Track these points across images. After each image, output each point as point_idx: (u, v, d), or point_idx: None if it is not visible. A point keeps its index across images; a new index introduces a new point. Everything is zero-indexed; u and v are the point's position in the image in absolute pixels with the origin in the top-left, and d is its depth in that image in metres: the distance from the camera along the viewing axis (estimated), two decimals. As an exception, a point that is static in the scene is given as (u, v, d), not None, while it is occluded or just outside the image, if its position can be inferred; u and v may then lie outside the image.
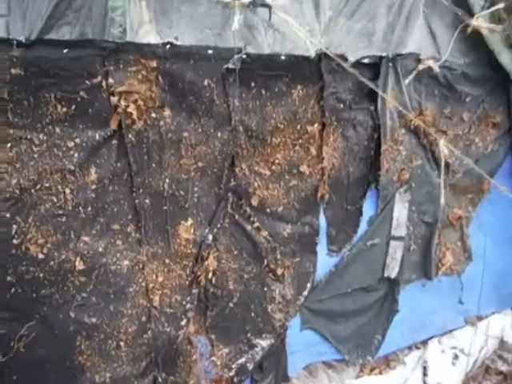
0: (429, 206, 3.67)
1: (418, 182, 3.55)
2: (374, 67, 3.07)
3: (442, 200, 3.40)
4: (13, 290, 2.63)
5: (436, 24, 3.18)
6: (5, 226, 2.53)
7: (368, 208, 3.48)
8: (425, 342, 4.20)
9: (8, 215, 2.52)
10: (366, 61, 3.00)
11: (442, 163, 3.33)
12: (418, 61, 3.13)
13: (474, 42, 3.33)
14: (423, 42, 3.16)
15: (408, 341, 4.14)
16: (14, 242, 2.57)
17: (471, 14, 3.13)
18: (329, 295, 3.50)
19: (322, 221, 3.35)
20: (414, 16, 3.06)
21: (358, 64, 2.98)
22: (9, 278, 2.60)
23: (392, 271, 3.63)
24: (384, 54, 3.03)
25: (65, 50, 2.35)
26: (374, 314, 3.75)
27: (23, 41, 2.27)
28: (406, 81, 3.12)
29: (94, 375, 2.94)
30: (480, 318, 4.51)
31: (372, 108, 3.17)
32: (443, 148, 3.28)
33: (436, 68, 3.11)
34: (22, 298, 2.66)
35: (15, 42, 2.26)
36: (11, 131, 2.43)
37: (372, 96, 3.13)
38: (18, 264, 2.61)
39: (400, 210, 3.52)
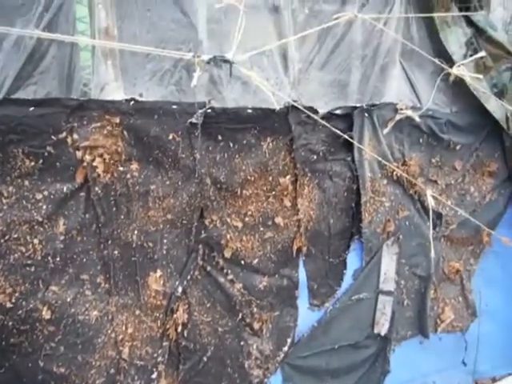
0: (421, 258, 3.49)
1: (407, 234, 3.40)
2: (350, 118, 3.01)
3: (432, 252, 3.20)
4: (-19, 337, 2.69)
5: (415, 73, 3.13)
6: (-27, 275, 2.62)
7: (353, 261, 3.35)
8: (427, 405, 3.90)
9: (-23, 265, 2.62)
10: (339, 112, 2.95)
11: (430, 214, 3.16)
12: (396, 110, 3.05)
13: (460, 91, 3.22)
14: (402, 91, 3.10)
15: (408, 403, 3.86)
16: (-17, 291, 2.65)
17: (453, 63, 3.03)
18: (312, 351, 3.34)
19: (303, 274, 3.24)
20: (389, 66, 3.02)
21: (331, 115, 2.94)
22: (-23, 326, 2.67)
23: (382, 327, 3.43)
24: (358, 105, 2.97)
25: (31, 108, 2.46)
26: (365, 373, 3.54)
27: (-10, 100, 2.40)
28: (384, 131, 3.04)
29: (62, 427, 2.91)
30: (494, 381, 4.16)
31: (349, 159, 3.10)
32: (430, 199, 3.12)
33: (416, 117, 3.01)
34: (-10, 346, 2.71)
35: (-16, 101, 2.40)
36: (-19, 184, 2.55)
37: (349, 147, 3.06)
38: (-13, 312, 2.68)
39: (388, 263, 3.36)
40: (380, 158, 2.98)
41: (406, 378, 3.72)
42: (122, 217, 2.79)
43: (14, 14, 2.41)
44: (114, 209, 2.76)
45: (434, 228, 3.43)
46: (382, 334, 3.45)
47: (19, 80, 2.46)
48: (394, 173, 3.18)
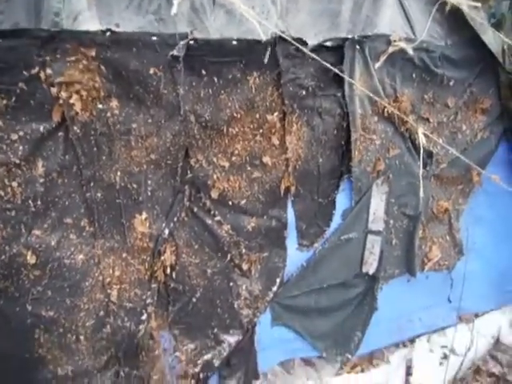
0: (410, 198, 3.45)
1: (397, 173, 3.34)
2: (341, 51, 2.86)
3: (421, 192, 3.19)
4: (-35, 283, 2.63)
5: (410, 2, 2.94)
6: (-49, 220, 2.53)
7: (343, 201, 3.30)
8: (413, 340, 4.01)
9: (-47, 210, 2.52)
10: (329, 44, 2.79)
11: (421, 153, 3.11)
12: (389, 43, 2.90)
13: (456, 22, 3.06)
14: (395, 22, 2.92)
15: (394, 338, 3.96)
16: (-38, 236, 2.56)
17: (450, -10, 2.87)
18: (301, 291, 3.36)
19: (291, 214, 3.20)
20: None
21: (321, 48, 2.78)
22: (-40, 272, 2.61)
23: (370, 267, 3.44)
24: (349, 36, 2.82)
25: (-2, 41, 2.28)
26: (353, 311, 3.58)
27: (-48, 31, 2.22)
28: (376, 65, 2.90)
29: (55, 368, 2.92)
30: (477, 316, 4.28)
31: (339, 95, 2.97)
32: (422, 137, 3.05)
33: (410, 50, 2.87)
34: (-25, 292, 2.67)
35: None
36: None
37: (339, 82, 2.92)
38: (-32, 258, 2.61)
39: (377, 203, 3.32)
40: (371, 94, 2.87)
41: (393, 315, 3.78)
42: (104, 157, 2.67)
43: None
44: (95, 149, 2.64)
45: (425, 167, 3.38)
46: (371, 273, 3.47)
47: (-16, 7, 2.26)
48: (386, 109, 3.07)
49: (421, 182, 3.10)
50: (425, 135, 3.09)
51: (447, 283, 3.98)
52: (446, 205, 3.64)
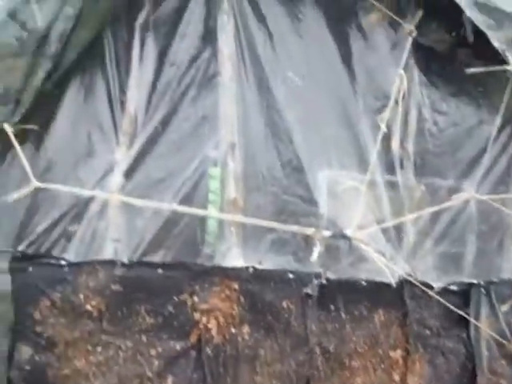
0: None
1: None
2: (465, 293, 2.92)
3: None
4: None
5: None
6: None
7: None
8: None
9: (83, 415, 2.67)
10: (454, 287, 2.88)
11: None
12: (516, 287, 2.93)
13: None
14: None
15: None
16: None
17: None
18: None
19: None
20: (508, 241, 2.95)
21: (445, 290, 2.87)
22: None
23: None
24: (475, 281, 2.90)
25: (159, 271, 2.64)
26: None
27: (126, 262, 2.61)
28: (503, 308, 2.90)
29: None
30: None
31: (464, 335, 2.95)
32: None
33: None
34: None
35: (119, 262, 2.61)
36: (103, 337, 2.68)
37: (464, 322, 2.93)
38: None
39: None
40: (498, 337, 2.82)
41: None
42: (229, 379, 2.77)
43: (155, 187, 2.71)
44: (222, 370, 2.77)
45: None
46: None
47: (153, 245, 2.68)
48: (513, 353, 2.97)
49: None
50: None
51: None
52: None
